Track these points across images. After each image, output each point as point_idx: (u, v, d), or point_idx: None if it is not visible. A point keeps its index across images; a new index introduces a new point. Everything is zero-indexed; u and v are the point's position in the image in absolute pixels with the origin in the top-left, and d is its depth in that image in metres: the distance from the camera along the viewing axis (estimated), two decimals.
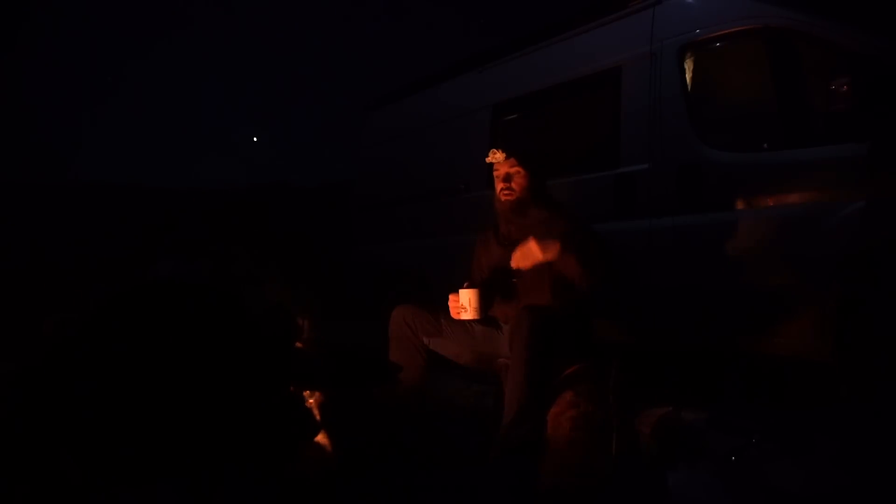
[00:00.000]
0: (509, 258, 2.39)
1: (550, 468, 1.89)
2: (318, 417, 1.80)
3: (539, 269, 2.31)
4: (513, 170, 2.36)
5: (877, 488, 1.72)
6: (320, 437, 1.78)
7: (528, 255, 2.15)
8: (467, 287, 2.25)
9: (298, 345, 1.92)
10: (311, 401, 1.85)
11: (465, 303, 2.23)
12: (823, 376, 2.51)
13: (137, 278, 1.65)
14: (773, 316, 2.65)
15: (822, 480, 1.77)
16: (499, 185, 2.39)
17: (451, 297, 2.30)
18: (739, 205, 2.77)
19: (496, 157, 2.36)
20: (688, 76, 3.03)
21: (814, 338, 2.52)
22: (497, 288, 2.39)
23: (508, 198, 2.36)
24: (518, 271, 2.37)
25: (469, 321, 2.33)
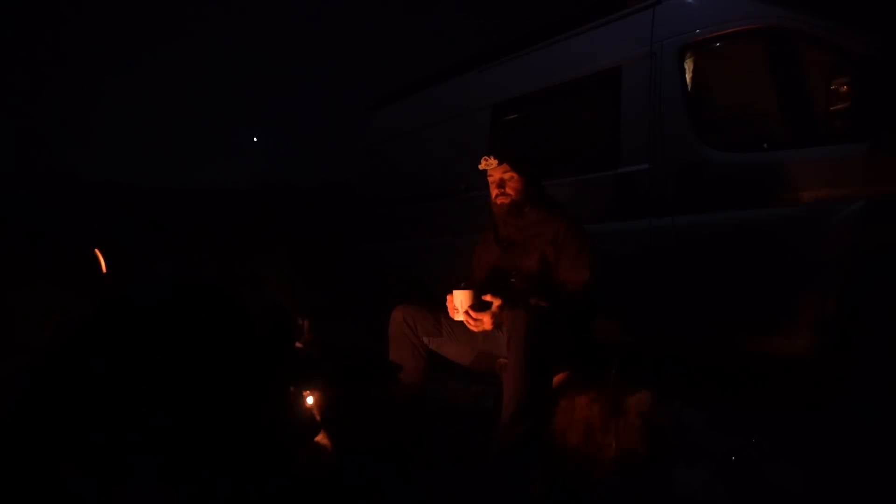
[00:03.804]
0: (508, 259, 2.41)
1: (550, 468, 1.89)
2: (318, 417, 1.80)
3: (538, 270, 2.33)
4: (506, 175, 2.37)
5: (877, 488, 1.72)
6: (320, 437, 1.78)
7: (480, 325, 2.22)
8: (463, 287, 2.26)
9: (298, 345, 1.92)
10: (311, 401, 1.84)
11: (457, 304, 2.24)
12: (823, 376, 2.51)
13: (138, 279, 1.65)
14: (773, 316, 2.65)
15: (822, 480, 1.77)
16: (493, 191, 2.41)
17: (448, 297, 2.31)
18: (739, 205, 2.76)
19: (489, 163, 2.37)
20: (688, 76, 3.03)
21: (814, 337, 2.52)
22: (496, 288, 2.40)
23: (503, 202, 2.38)
24: (517, 271, 2.38)
25: None
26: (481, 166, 2.40)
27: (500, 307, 2.18)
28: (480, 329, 2.21)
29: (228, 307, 1.62)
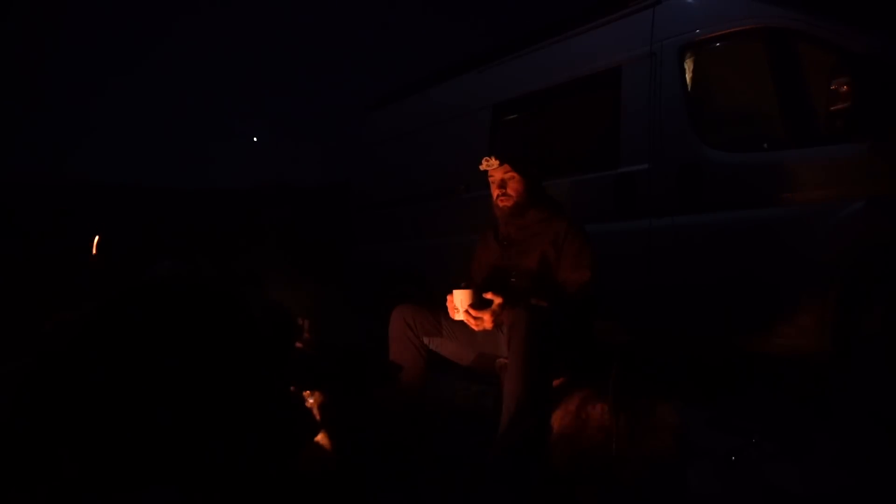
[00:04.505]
0: (508, 258, 2.40)
1: (550, 468, 1.89)
2: (318, 417, 1.80)
3: (538, 269, 2.32)
4: (507, 175, 2.37)
5: (877, 488, 1.72)
6: (320, 437, 1.78)
7: (480, 325, 2.21)
8: (463, 287, 2.26)
9: (298, 345, 1.92)
10: (311, 401, 1.84)
11: (457, 304, 2.24)
12: (823, 376, 2.52)
13: (137, 278, 1.65)
14: (773, 315, 2.65)
15: (822, 480, 1.77)
16: (495, 192, 2.41)
17: (448, 297, 2.31)
18: (739, 205, 2.76)
19: (490, 164, 2.37)
20: (688, 76, 3.03)
21: (814, 337, 2.52)
22: (496, 287, 2.40)
23: (505, 203, 2.38)
24: (517, 271, 2.38)
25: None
26: (482, 167, 2.40)
27: (501, 305, 2.18)
28: (481, 328, 2.21)
29: (228, 307, 1.62)
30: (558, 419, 2.01)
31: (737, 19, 2.88)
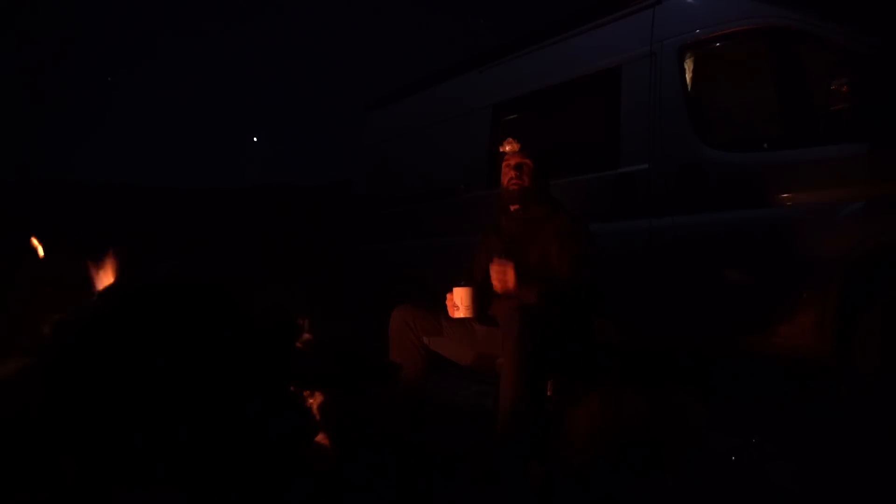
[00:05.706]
0: (510, 253, 2.40)
1: (548, 468, 1.89)
2: (318, 417, 1.80)
3: (538, 268, 2.32)
4: (524, 161, 2.39)
5: (876, 488, 1.72)
6: (320, 437, 1.78)
7: (503, 278, 2.18)
8: (463, 285, 2.26)
9: (298, 345, 1.92)
10: (311, 401, 1.84)
11: (457, 301, 2.24)
12: (823, 376, 2.52)
13: (137, 278, 1.65)
14: (773, 315, 2.65)
15: (822, 480, 1.78)
16: (508, 174, 2.41)
17: (447, 296, 2.31)
18: (739, 205, 2.76)
19: (512, 147, 2.39)
20: (688, 76, 3.03)
21: (814, 338, 2.52)
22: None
23: (515, 188, 2.38)
24: (518, 267, 2.37)
25: (469, 321, 2.33)
26: (502, 148, 2.42)
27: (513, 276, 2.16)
28: (504, 286, 2.18)
29: (228, 307, 1.62)
30: (556, 418, 2.01)
31: (737, 19, 2.88)
